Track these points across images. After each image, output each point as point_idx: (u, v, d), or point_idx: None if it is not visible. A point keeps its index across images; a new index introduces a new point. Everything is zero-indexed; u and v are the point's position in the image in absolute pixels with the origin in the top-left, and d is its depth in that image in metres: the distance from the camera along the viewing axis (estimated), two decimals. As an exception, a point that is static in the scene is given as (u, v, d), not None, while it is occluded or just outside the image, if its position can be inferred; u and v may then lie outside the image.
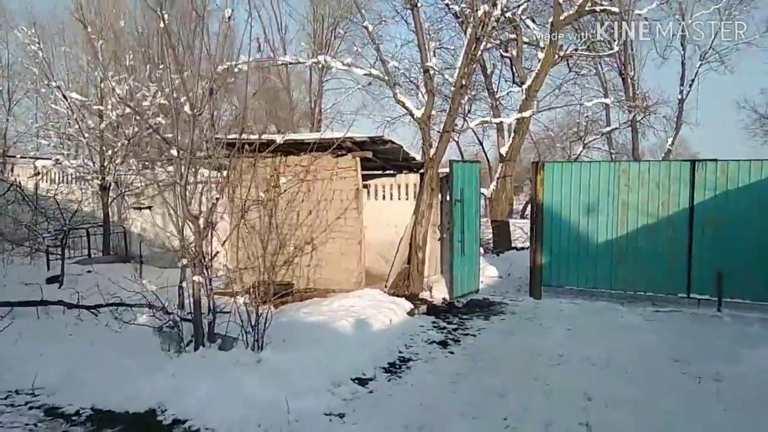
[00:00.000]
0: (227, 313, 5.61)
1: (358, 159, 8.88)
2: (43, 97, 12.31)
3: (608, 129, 18.86)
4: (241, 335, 5.48)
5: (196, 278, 5.31)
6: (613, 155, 19.64)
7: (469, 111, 14.71)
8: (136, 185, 12.83)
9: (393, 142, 8.71)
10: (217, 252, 5.45)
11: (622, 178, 8.85)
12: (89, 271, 11.01)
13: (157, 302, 5.69)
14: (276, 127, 22.75)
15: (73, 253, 12.52)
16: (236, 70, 8.46)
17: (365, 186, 10.84)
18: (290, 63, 8.45)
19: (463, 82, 8.61)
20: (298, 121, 27.34)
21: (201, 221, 5.26)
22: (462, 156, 17.51)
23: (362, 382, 5.28)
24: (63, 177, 13.76)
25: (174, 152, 5.20)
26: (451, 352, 6.37)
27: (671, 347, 6.44)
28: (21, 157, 13.98)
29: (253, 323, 5.46)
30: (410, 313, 7.96)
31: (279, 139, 8.94)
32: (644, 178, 8.72)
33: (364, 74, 8.82)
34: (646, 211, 8.73)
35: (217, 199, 5.45)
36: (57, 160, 12.76)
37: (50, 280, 9.84)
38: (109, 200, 12.66)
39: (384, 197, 10.80)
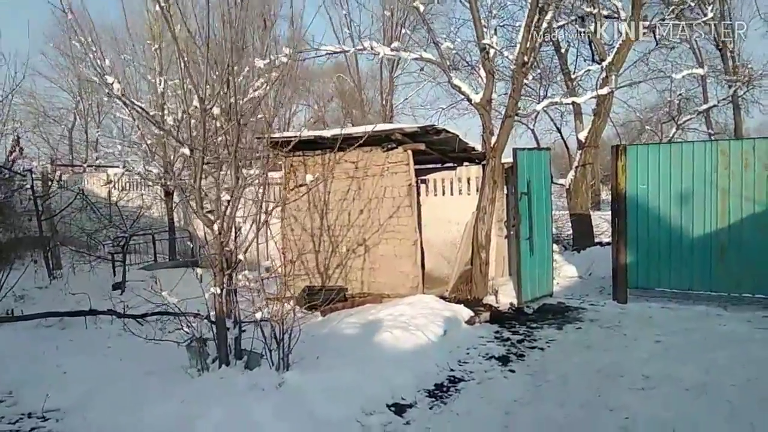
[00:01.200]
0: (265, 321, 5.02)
1: (409, 152, 8.12)
2: (106, 106, 12.54)
3: (705, 107, 16.74)
4: (264, 352, 4.90)
5: (213, 289, 4.79)
6: (712, 137, 17.48)
7: (545, 96, 13.49)
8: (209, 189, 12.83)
9: (448, 131, 7.88)
10: (239, 260, 4.89)
11: (721, 160, 7.47)
12: (152, 277, 11.05)
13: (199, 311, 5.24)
14: (352, 125, 22.48)
15: (141, 258, 12.73)
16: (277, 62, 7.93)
17: (423, 181, 10.08)
18: (333, 52, 7.85)
19: (525, 59, 7.61)
20: (372, 118, 26.96)
21: (216, 226, 4.72)
22: (539, 145, 16.18)
23: (399, 409, 4.53)
24: (131, 184, 14.06)
25: (186, 151, 4.70)
26: (512, 371, 5.47)
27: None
28: (89, 166, 14.44)
29: (278, 338, 4.86)
30: (470, 322, 7.11)
31: (327, 134, 8.40)
32: (748, 159, 7.30)
33: (414, 58, 8.05)
34: (753, 198, 7.31)
35: (229, 201, 4.86)
36: (125, 167, 13.00)
37: (115, 287, 9.88)
38: (173, 205, 12.73)
39: (444, 192, 9.97)
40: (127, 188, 14.26)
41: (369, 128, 8.18)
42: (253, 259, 12.75)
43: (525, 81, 13.10)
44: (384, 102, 28.12)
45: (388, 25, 25.50)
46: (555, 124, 15.86)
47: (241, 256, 4.93)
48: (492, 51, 7.99)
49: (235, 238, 5.10)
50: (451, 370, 5.46)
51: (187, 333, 5.29)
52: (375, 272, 8.61)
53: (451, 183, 9.82)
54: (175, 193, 13.02)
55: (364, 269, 8.69)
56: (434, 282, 9.41)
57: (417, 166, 10.28)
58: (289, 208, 9.41)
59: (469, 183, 9.69)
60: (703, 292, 7.77)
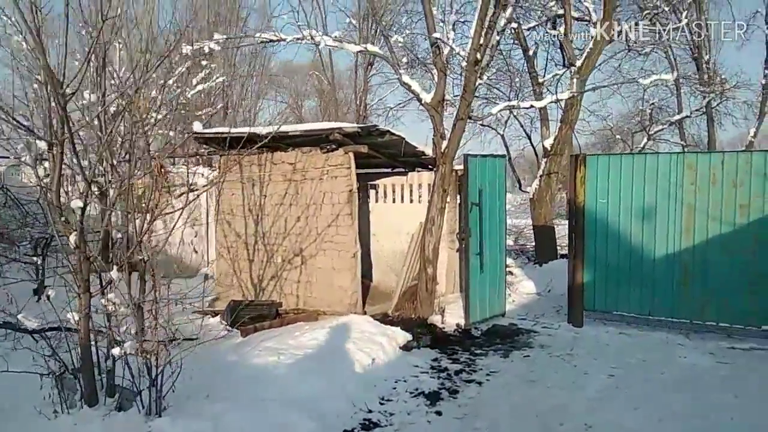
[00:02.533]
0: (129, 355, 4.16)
1: (351, 154, 7.34)
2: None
3: (677, 117, 16.25)
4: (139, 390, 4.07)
5: (71, 315, 3.94)
6: (685, 149, 17.03)
7: (516, 98, 12.80)
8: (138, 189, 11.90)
9: (393, 133, 7.12)
10: (111, 281, 4.06)
11: (687, 174, 6.84)
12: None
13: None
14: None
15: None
16: (206, 49, 7.13)
17: (373, 186, 9.31)
18: (270, 41, 7.04)
19: (478, 56, 6.88)
20: (350, 118, 26.11)
21: (72, 237, 3.85)
22: (508, 152, 15.51)
23: (289, 469, 3.75)
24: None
25: (42, 145, 3.84)
26: (439, 413, 4.71)
27: (759, 413, 4.54)
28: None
29: (151, 375, 4.03)
30: (406, 347, 6.35)
31: (262, 131, 7.58)
32: (716, 174, 6.67)
33: (358, 51, 7.28)
34: (719, 217, 6.70)
35: (83, 209, 4.01)
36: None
37: (35, 292, 8.92)
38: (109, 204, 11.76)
39: (395, 199, 9.21)
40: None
41: (306, 126, 7.40)
42: (193, 264, 11.95)
43: (489, 84, 12.47)
44: (358, 102, 27.36)
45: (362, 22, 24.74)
46: (524, 130, 15.22)
47: (113, 274, 4.08)
48: (445, 47, 7.26)
49: (110, 247, 4.26)
50: (369, 411, 4.68)
51: (57, 361, 4.42)
52: (312, 286, 7.82)
53: (402, 189, 9.07)
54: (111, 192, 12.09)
55: (300, 282, 7.89)
56: (381, 297, 8.65)
57: (365, 170, 9.53)
58: (223, 212, 8.58)
59: (421, 189, 8.95)
60: (665, 318, 7.14)
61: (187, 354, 4.30)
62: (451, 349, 6.62)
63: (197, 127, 4.20)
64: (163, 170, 7.80)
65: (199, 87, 12.64)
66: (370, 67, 26.01)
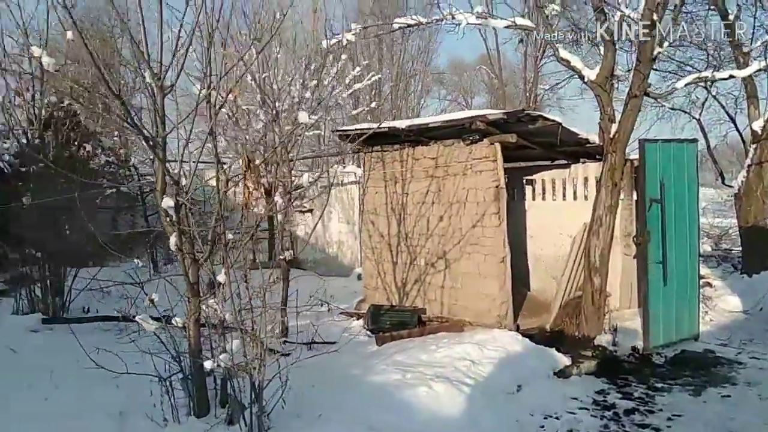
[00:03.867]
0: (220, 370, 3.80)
1: (497, 145, 6.43)
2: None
3: None
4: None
5: (175, 320, 3.72)
6: None
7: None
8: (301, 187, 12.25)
9: (546, 119, 6.07)
10: (217, 284, 3.78)
11: None
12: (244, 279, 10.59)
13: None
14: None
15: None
16: (344, 41, 6.79)
17: (529, 182, 8.23)
18: (408, 25, 6.46)
19: (655, 17, 5.49)
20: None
21: (173, 238, 3.61)
22: (706, 139, 13.01)
23: None
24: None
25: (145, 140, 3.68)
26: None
27: None
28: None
29: (255, 391, 3.65)
30: (563, 373, 5.29)
31: (401, 125, 7.06)
32: None
33: (506, 26, 6.33)
34: None
35: (177, 206, 3.73)
36: (223, 164, 12.82)
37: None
38: (274, 203, 12.26)
39: (555, 196, 8.01)
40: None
41: (447, 117, 6.68)
42: (350, 263, 11.93)
43: (681, 62, 10.50)
44: (528, 94, 25.75)
45: None
46: (727, 112, 12.61)
47: (221, 278, 3.79)
48: (613, 13, 5.99)
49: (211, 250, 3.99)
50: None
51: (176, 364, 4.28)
52: (457, 293, 7.06)
53: (564, 184, 7.83)
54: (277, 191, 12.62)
55: (445, 288, 7.18)
56: (538, 308, 7.56)
57: (518, 164, 8.50)
58: (367, 211, 8.24)
59: (587, 184, 7.64)
60: None
61: (310, 358, 3.88)
62: (622, 379, 5.38)
63: (303, 117, 3.75)
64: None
65: (357, 86, 12.64)
66: (540, 56, 24.30)
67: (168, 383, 3.98)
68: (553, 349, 5.62)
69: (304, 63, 8.84)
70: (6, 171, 8.32)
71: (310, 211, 12.37)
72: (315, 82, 8.70)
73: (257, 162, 9.21)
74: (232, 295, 3.67)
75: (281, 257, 6.89)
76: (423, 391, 4.32)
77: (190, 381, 3.96)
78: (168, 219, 3.59)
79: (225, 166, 12.07)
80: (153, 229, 8.24)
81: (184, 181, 3.63)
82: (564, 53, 6.37)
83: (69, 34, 3.34)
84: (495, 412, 4.29)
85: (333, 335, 6.37)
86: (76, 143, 9.20)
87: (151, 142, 3.60)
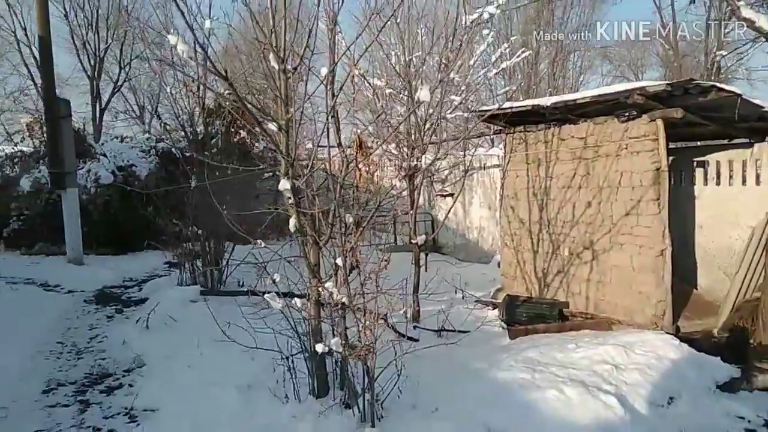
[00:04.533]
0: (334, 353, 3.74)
1: (659, 122, 5.61)
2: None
3: None
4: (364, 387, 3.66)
5: (295, 301, 3.76)
6: None
7: None
8: (443, 171, 12.06)
9: (721, 89, 5.13)
10: (355, 267, 3.71)
11: None
12: (386, 260, 10.77)
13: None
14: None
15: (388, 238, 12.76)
16: (485, 15, 6.44)
17: (700, 164, 7.13)
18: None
19: None
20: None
21: (292, 221, 3.62)
22: None
23: None
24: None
25: (272, 126, 3.74)
26: None
27: None
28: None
29: (368, 377, 3.57)
30: (730, 387, 4.48)
31: (546, 102, 6.51)
32: None
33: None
34: None
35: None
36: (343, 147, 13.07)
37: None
38: (415, 187, 12.25)
39: (732, 181, 6.82)
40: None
41: (598, 91, 5.99)
42: (491, 250, 11.50)
43: None
44: (709, 65, 22.64)
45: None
46: None
47: (339, 261, 3.76)
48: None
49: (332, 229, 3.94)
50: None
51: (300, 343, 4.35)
52: (604, 288, 6.37)
53: (744, 166, 6.61)
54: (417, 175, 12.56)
55: (591, 282, 6.53)
56: (706, 309, 6.55)
57: (685, 143, 7.40)
58: (507, 196, 7.80)
59: (775, 167, 6.37)
60: None
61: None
62: (810, 402, 4.41)
63: (424, 95, 3.52)
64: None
65: (504, 64, 12.04)
66: (725, 19, 21.12)
67: (291, 361, 4.08)
68: (718, 358, 4.79)
69: (444, 41, 8.57)
70: (178, 157, 9.28)
71: (452, 195, 12.15)
72: (460, 63, 8.40)
73: (369, 143, 9.18)
74: (347, 278, 3.62)
75: (413, 241, 6.82)
76: (552, 394, 3.92)
77: (311, 361, 4.02)
78: (291, 202, 3.63)
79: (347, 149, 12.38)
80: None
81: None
82: (747, 12, 5.32)
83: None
84: (638, 427, 3.75)
85: (464, 324, 6.14)
86: (238, 130, 10.00)
87: (276, 125, 3.66)
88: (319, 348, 3.41)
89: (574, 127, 6.63)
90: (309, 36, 3.58)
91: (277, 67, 3.58)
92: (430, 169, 12.47)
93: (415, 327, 6.35)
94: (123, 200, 11.46)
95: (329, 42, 3.78)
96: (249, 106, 3.20)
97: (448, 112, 9.42)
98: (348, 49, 3.55)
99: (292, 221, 3.61)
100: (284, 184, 3.35)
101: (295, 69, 3.64)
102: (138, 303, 7.85)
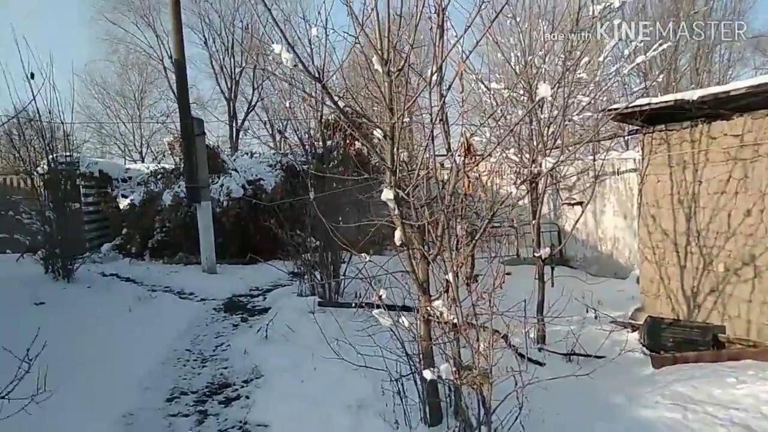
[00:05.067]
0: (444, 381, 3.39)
1: (842, 111, 4.60)
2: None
3: None
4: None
5: (403, 319, 3.48)
6: None
7: None
8: (570, 177, 11.19)
9: None
10: (468, 284, 3.39)
11: None
12: (508, 273, 10.20)
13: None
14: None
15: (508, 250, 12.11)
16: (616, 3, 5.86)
17: None
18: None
19: None
20: None
21: (397, 233, 3.34)
22: None
23: None
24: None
25: (377, 133, 3.52)
26: None
27: None
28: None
29: (485, 407, 3.18)
30: None
31: (692, 96, 5.69)
32: None
33: None
34: None
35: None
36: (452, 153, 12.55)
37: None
38: (539, 195, 11.48)
39: None
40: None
41: (755, 81, 5.07)
42: (627, 264, 10.40)
43: None
44: None
45: None
46: None
47: (449, 277, 3.43)
48: None
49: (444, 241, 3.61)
50: None
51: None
52: (772, 310, 5.37)
53: None
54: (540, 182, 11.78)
55: (753, 302, 5.54)
56: None
57: None
58: (647, 204, 6.95)
59: None
60: None
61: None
62: None
63: (543, 91, 3.09)
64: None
65: (639, 59, 10.96)
66: None
67: (400, 384, 3.82)
68: None
69: (567, 36, 7.91)
70: (298, 169, 9.52)
71: (581, 203, 11.21)
72: (587, 59, 7.72)
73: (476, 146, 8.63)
74: (458, 295, 3.27)
75: (537, 254, 6.27)
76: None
77: (422, 385, 3.72)
78: (393, 212, 3.38)
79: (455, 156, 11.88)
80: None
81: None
82: None
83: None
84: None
85: (598, 349, 5.47)
86: (353, 141, 10.07)
87: (380, 131, 3.44)
88: (428, 375, 3.10)
89: (726, 123, 5.71)
90: (414, 32, 3.32)
91: (380, 69, 3.37)
92: (555, 176, 11.70)
93: (540, 349, 5.81)
94: (251, 212, 12.05)
95: (435, 38, 3.49)
96: (348, 111, 2.99)
97: (575, 113, 8.71)
98: (457, 42, 3.23)
99: (398, 233, 3.35)
100: (387, 194, 3.11)
101: (399, 70, 3.39)
102: (261, 312, 8.08)
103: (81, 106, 24.34)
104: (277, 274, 9.99)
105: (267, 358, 5.81)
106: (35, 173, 9.78)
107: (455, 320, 3.34)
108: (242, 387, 5.21)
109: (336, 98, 3.22)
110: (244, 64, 24.69)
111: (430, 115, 3.34)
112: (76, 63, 30.28)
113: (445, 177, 3.81)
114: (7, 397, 2.84)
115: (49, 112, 9.56)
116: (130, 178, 13.91)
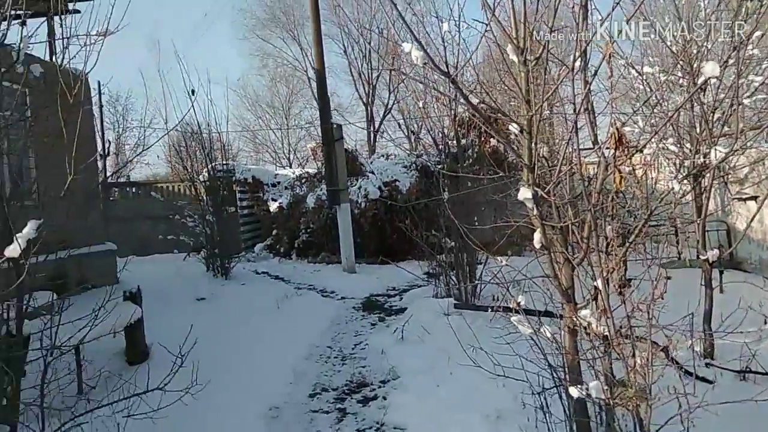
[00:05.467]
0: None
1: None
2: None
3: None
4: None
5: (545, 329, 3.19)
6: None
7: None
8: (741, 168, 9.80)
9: None
10: (620, 292, 3.01)
11: None
12: (668, 278, 9.21)
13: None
14: None
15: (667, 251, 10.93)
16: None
17: None
18: None
19: None
20: None
21: (536, 234, 3.07)
22: None
23: None
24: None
25: (514, 128, 3.28)
26: None
27: None
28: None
29: (644, 430, 2.80)
30: None
31: None
32: None
33: None
34: None
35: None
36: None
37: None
38: (703, 190, 10.19)
39: None
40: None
41: None
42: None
43: None
44: None
45: None
46: None
47: (599, 283, 3.08)
48: None
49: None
50: None
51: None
52: None
53: None
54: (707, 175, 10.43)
55: None
56: None
57: None
58: None
59: None
60: None
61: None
62: None
63: (710, 69, 2.63)
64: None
65: None
66: None
67: (543, 397, 3.54)
68: None
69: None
70: (431, 169, 9.47)
71: (755, 198, 9.76)
72: (761, 33, 6.67)
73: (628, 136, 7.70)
74: (609, 305, 2.92)
75: (703, 257, 5.53)
76: None
77: (568, 401, 3.40)
78: (532, 212, 3.12)
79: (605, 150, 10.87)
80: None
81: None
82: None
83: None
84: None
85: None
86: (488, 139, 9.78)
87: (516, 126, 3.21)
88: (574, 393, 2.80)
89: None
90: (554, 16, 3.04)
91: (516, 59, 3.13)
92: (722, 167, 10.36)
93: (708, 365, 5.10)
94: (387, 213, 12.27)
95: (578, 18, 3.17)
96: (482, 107, 2.81)
97: (745, 96, 7.59)
98: (604, 20, 2.88)
99: (537, 235, 3.08)
100: (524, 193, 2.87)
101: (537, 59, 3.13)
102: (398, 312, 8.14)
103: (236, 117, 26.80)
104: (413, 275, 10.03)
105: (403, 359, 5.80)
106: (197, 181, 10.85)
107: (606, 332, 3.00)
108: (379, 387, 5.24)
109: (468, 93, 3.05)
110: (380, 69, 25.35)
111: (573, 105, 3.03)
112: (229, 78, 33.36)
113: (592, 172, 3.45)
114: (163, 388, 3.10)
115: (208, 125, 10.56)
116: (278, 182, 14.91)
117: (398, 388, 5.11)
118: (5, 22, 3.26)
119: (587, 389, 2.75)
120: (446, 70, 2.82)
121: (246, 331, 6.94)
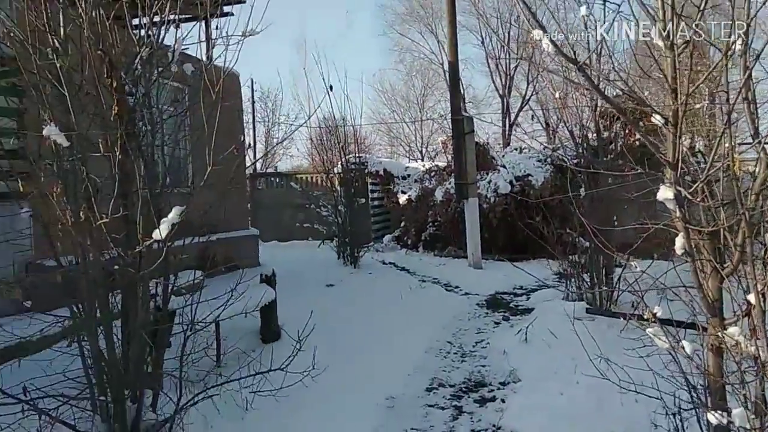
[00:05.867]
0: None
1: None
2: None
3: None
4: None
5: (684, 343, 2.83)
6: None
7: None
8: None
9: None
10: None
11: None
12: None
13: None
14: None
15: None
16: None
17: None
18: None
19: None
20: None
21: (680, 239, 2.73)
22: None
23: None
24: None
25: (657, 119, 2.93)
26: None
27: None
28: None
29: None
30: None
31: None
32: None
33: None
34: None
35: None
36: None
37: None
38: None
39: None
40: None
41: None
42: None
43: None
44: None
45: None
46: None
47: (751, 298, 2.68)
48: None
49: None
50: None
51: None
52: None
53: None
54: None
55: None
56: None
57: None
58: None
59: None
60: None
61: None
62: None
63: None
64: None
65: None
66: None
67: (678, 419, 3.18)
68: None
69: None
70: (566, 165, 8.94)
71: None
72: None
73: None
74: (762, 323, 2.53)
75: None
76: None
77: (707, 428, 3.02)
78: (675, 214, 2.79)
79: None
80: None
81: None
82: None
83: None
84: None
85: None
86: (632, 131, 9.00)
87: (660, 117, 2.89)
88: (713, 419, 2.46)
89: None
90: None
91: (661, 44, 2.81)
92: None
93: None
94: (518, 209, 11.85)
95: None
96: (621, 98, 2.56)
97: None
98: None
99: (680, 241, 2.75)
100: (665, 193, 2.56)
101: (687, 42, 2.78)
102: (523, 312, 7.85)
103: (373, 111, 27.58)
104: (543, 274, 9.59)
105: (526, 361, 5.58)
106: (332, 172, 11.36)
107: (758, 353, 2.60)
108: (498, 389, 5.09)
109: (602, 83, 2.80)
110: (518, 59, 24.54)
111: (726, 94, 2.66)
112: (366, 74, 34.38)
113: (751, 170, 3.01)
114: (285, 369, 3.27)
115: (343, 119, 10.98)
116: (408, 175, 15.11)
117: (518, 392, 4.92)
118: (163, 27, 3.62)
119: (730, 417, 2.41)
120: (573, 56, 2.61)
121: (369, 319, 7.12)
